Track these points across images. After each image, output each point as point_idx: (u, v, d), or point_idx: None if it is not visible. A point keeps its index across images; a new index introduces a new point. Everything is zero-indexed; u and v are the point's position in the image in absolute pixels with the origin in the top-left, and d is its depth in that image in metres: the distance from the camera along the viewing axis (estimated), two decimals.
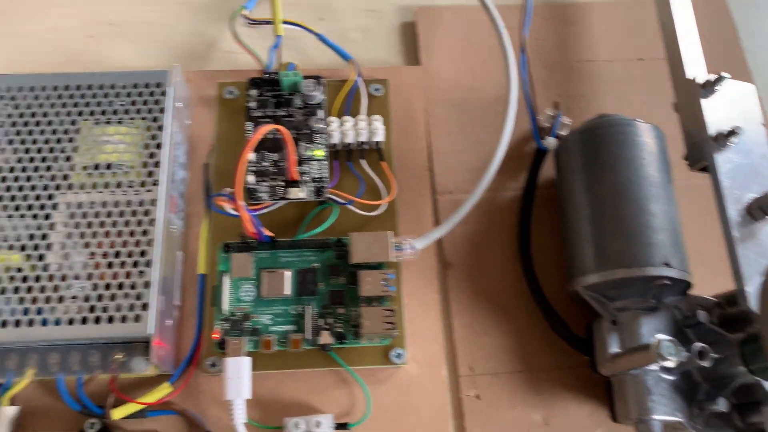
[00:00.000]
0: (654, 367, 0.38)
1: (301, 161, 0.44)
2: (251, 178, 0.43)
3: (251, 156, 0.44)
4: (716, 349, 0.36)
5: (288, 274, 0.41)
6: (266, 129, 0.36)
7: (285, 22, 0.48)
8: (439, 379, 0.42)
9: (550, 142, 0.46)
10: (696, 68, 0.44)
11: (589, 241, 0.40)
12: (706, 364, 0.35)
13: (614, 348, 0.39)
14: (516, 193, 0.47)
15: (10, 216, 0.40)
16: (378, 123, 0.45)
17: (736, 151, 0.41)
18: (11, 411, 0.39)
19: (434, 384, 0.42)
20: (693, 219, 0.45)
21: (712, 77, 0.42)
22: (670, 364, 0.34)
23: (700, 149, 0.41)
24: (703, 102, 0.42)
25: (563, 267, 0.44)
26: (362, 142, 0.45)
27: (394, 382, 0.41)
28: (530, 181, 0.46)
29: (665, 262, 0.38)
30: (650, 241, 0.38)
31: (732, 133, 0.40)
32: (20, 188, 0.40)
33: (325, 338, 0.40)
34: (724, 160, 0.40)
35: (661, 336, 0.35)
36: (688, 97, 0.43)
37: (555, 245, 0.46)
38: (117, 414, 0.38)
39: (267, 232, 0.41)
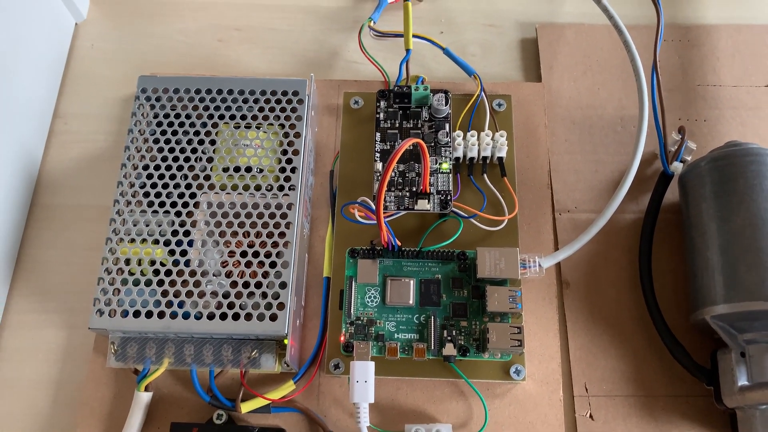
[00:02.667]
0: None
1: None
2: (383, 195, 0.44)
3: (379, 166, 0.45)
4: None
5: (412, 283, 0.42)
6: (409, 142, 0.37)
7: (414, 36, 0.49)
8: (556, 398, 0.42)
9: (677, 167, 0.45)
10: None
11: (721, 272, 0.40)
12: None
13: (743, 381, 0.39)
14: (635, 216, 0.47)
15: (155, 212, 0.42)
16: (502, 139, 0.45)
17: None
18: (146, 397, 0.41)
19: (551, 402, 0.42)
20: None
21: None
22: None
23: None
24: None
25: (684, 293, 0.44)
26: (485, 157, 0.46)
27: (512, 398, 0.42)
28: (654, 204, 0.46)
29: None
30: None
31: None
32: (164, 186, 0.42)
33: (449, 350, 0.40)
34: None
35: None
36: None
37: (676, 271, 0.45)
38: (245, 408, 0.40)
39: (397, 242, 0.41)
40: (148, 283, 0.40)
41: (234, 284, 0.40)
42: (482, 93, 0.48)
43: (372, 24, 0.51)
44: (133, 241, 0.41)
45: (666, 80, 0.52)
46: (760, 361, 0.38)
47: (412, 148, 0.44)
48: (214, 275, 0.40)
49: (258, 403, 0.40)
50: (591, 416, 0.42)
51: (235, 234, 0.41)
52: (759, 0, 0.55)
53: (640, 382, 0.43)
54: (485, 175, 0.46)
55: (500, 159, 0.46)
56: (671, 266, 0.45)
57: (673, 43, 0.53)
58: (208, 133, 0.44)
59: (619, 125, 0.50)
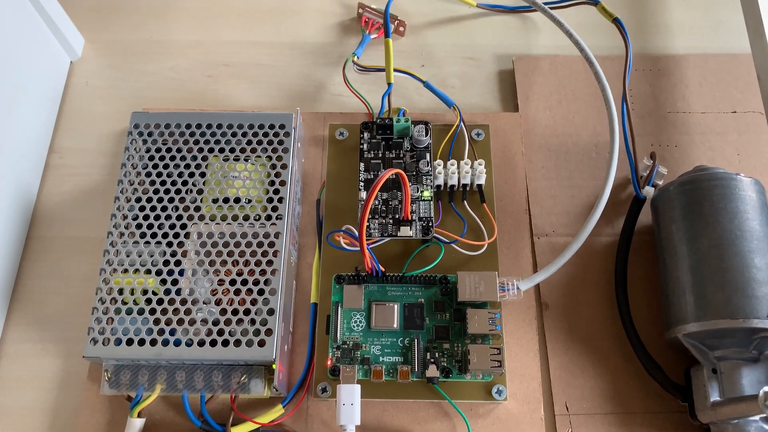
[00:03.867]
0: (756, 417, 0.38)
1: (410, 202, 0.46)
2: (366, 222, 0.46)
3: (363, 195, 0.47)
4: None
5: (396, 307, 0.44)
6: (390, 173, 0.39)
7: (395, 70, 0.51)
8: (537, 416, 0.43)
9: (648, 191, 0.47)
10: None
11: (691, 291, 0.41)
12: None
13: (715, 396, 0.40)
14: (610, 239, 0.49)
15: (147, 242, 0.43)
16: (481, 167, 0.47)
17: None
18: (139, 423, 0.42)
19: (532, 420, 0.43)
20: None
21: None
22: None
23: None
24: None
25: (659, 313, 0.46)
26: (465, 185, 0.48)
27: (494, 417, 0.43)
28: (628, 227, 0.47)
29: None
30: (755, 293, 0.40)
31: None
32: (156, 217, 0.44)
33: (432, 372, 0.42)
34: None
35: None
36: None
37: (650, 291, 0.47)
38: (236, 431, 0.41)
39: (381, 268, 0.43)
40: (141, 311, 0.41)
41: (223, 311, 0.41)
42: (461, 123, 0.50)
43: (356, 59, 0.54)
44: (126, 271, 0.43)
45: (638, 107, 0.54)
46: (730, 377, 0.40)
47: (394, 177, 0.46)
48: (204, 303, 0.42)
49: (248, 427, 0.42)
50: None
51: (224, 263, 0.43)
52: (724, 31, 0.58)
53: (618, 400, 0.44)
54: (465, 202, 0.48)
55: (479, 186, 0.48)
56: (646, 286, 0.47)
57: (644, 72, 0.55)
58: (198, 166, 0.46)
59: (593, 151, 0.52)
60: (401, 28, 0.57)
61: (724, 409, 0.39)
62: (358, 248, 0.42)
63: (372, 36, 0.56)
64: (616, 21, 0.51)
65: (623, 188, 0.51)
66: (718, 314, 0.40)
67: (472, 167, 0.47)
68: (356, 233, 0.41)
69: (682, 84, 0.55)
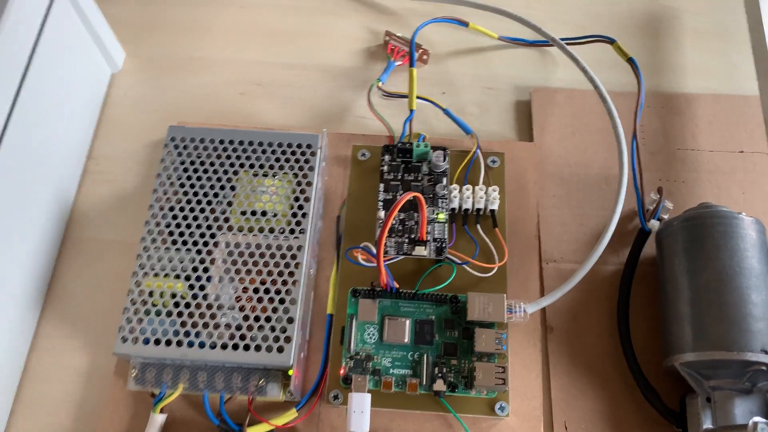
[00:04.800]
0: None
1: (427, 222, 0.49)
2: (384, 241, 0.48)
3: (381, 214, 0.49)
4: None
5: (408, 323, 0.46)
6: (408, 196, 0.41)
7: (418, 97, 0.54)
8: None
9: (654, 224, 0.50)
10: None
11: (690, 322, 0.43)
12: None
13: (707, 424, 0.42)
14: (616, 267, 0.51)
15: (177, 249, 0.46)
16: (495, 193, 0.50)
17: None
18: (160, 418, 0.45)
19: None
20: None
21: None
22: None
23: None
24: None
25: (659, 341, 0.48)
26: (478, 209, 0.50)
27: None
28: (632, 258, 0.50)
29: (764, 349, 0.41)
30: (750, 328, 0.42)
31: None
32: (188, 226, 0.47)
33: (439, 386, 0.44)
34: None
35: (759, 419, 0.38)
36: None
37: (651, 320, 0.49)
38: None
39: (395, 284, 0.46)
40: (169, 314, 0.44)
41: (246, 318, 0.44)
42: (478, 150, 0.52)
43: (380, 84, 0.57)
44: (157, 275, 0.46)
45: (648, 143, 0.56)
46: (723, 407, 0.42)
47: (412, 199, 0.49)
48: (228, 309, 0.44)
49: (263, 428, 0.44)
50: None
51: (248, 272, 0.45)
52: (736, 73, 0.60)
53: (615, 423, 0.46)
54: (478, 226, 0.50)
55: (492, 211, 0.50)
56: (648, 315, 0.49)
57: (656, 109, 0.58)
58: (228, 180, 0.49)
59: (603, 183, 0.54)
60: (425, 57, 0.60)
61: None
62: (375, 264, 0.44)
63: (397, 63, 0.59)
64: (630, 61, 0.54)
65: (630, 220, 0.53)
66: (714, 346, 0.42)
67: (486, 193, 0.50)
68: (374, 251, 0.44)
69: (693, 122, 0.57)
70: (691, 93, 0.59)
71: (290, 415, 0.45)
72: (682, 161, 0.55)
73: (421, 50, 0.60)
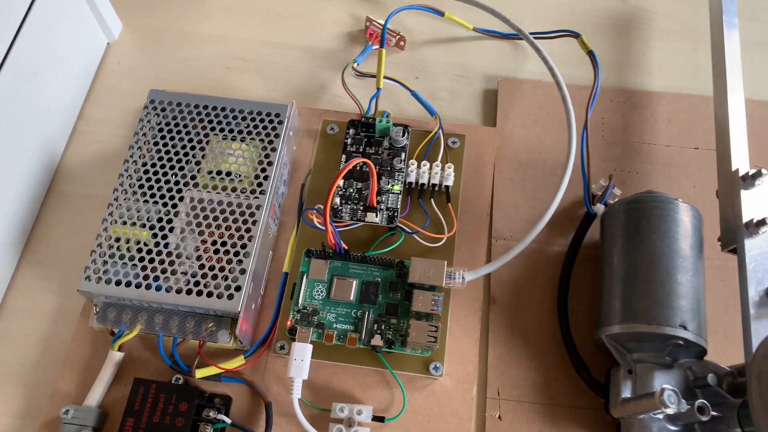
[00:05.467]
0: (659, 415, 0.42)
1: (380, 192, 0.52)
2: (337, 200, 0.51)
3: (340, 182, 0.52)
4: (718, 409, 0.41)
5: (354, 283, 0.49)
6: (356, 161, 0.44)
7: (386, 77, 0.57)
8: (469, 396, 0.48)
9: (599, 208, 0.52)
10: (740, 161, 0.49)
11: (618, 298, 0.46)
12: (704, 418, 0.40)
13: (627, 394, 0.44)
14: (562, 248, 0.53)
15: (146, 201, 0.50)
16: (450, 170, 0.53)
17: (764, 239, 0.45)
18: (118, 356, 0.48)
19: (463, 399, 0.48)
20: (723, 295, 0.50)
21: (753, 171, 0.47)
22: (670, 411, 0.39)
23: (733, 233, 0.46)
24: (743, 192, 0.47)
25: (593, 318, 0.50)
26: (434, 184, 0.53)
27: (429, 391, 0.48)
28: (577, 238, 0.52)
29: (682, 325, 0.43)
30: (672, 304, 0.44)
31: (762, 222, 0.45)
32: (157, 180, 0.50)
33: (377, 341, 0.47)
34: (751, 246, 0.45)
35: (667, 386, 0.40)
36: (729, 186, 0.48)
37: (588, 299, 0.51)
38: (199, 374, 0.47)
39: (344, 245, 0.49)
40: (131, 258, 0.48)
41: (202, 266, 0.47)
42: (440, 130, 0.55)
43: (355, 65, 0.60)
44: (125, 223, 0.49)
45: (608, 135, 0.59)
46: (643, 379, 0.44)
47: (366, 169, 0.52)
48: (186, 258, 0.48)
49: (211, 371, 0.47)
50: (500, 417, 0.48)
51: (209, 225, 0.49)
52: (700, 73, 0.62)
53: (547, 392, 0.48)
54: (432, 200, 0.53)
55: (447, 187, 0.53)
56: (587, 294, 0.51)
57: (618, 104, 0.60)
58: (200, 141, 0.52)
59: (559, 170, 0.57)
60: (402, 43, 0.63)
61: (631, 404, 0.43)
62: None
63: (374, 47, 0.62)
64: (590, 53, 0.57)
65: (580, 205, 0.55)
66: (638, 319, 0.44)
67: (442, 169, 0.53)
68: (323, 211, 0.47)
69: (653, 118, 0.59)
70: (654, 91, 0.61)
71: (238, 361, 0.48)
72: (638, 153, 0.58)
73: (398, 36, 0.63)
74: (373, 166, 0.46)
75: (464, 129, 0.58)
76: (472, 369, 0.49)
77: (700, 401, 0.40)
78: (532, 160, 0.57)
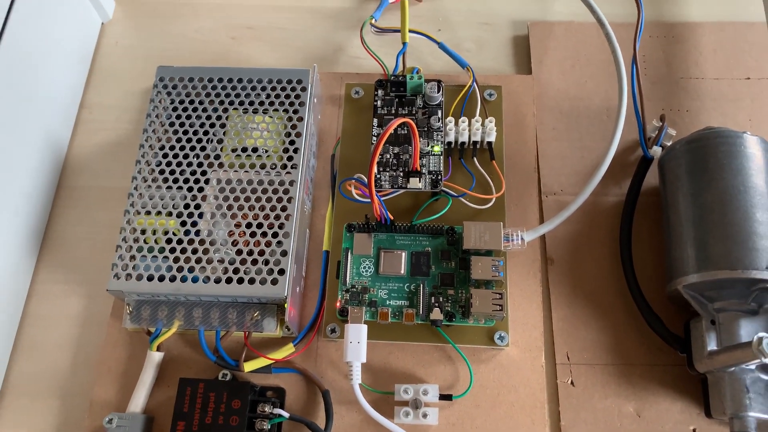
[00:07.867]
0: (752, 366, 0.39)
1: (420, 156, 0.48)
2: (374, 168, 0.47)
3: None
4: None
5: (404, 255, 0.45)
6: (398, 122, 0.40)
7: (410, 31, 0.52)
8: (538, 364, 0.45)
9: (656, 151, 0.48)
10: None
11: (693, 244, 0.42)
12: None
13: (712, 346, 0.41)
14: (618, 198, 0.50)
15: (168, 187, 0.46)
16: (491, 124, 0.49)
17: None
18: (157, 356, 0.45)
19: (533, 368, 0.45)
20: None
21: None
22: None
23: None
24: None
25: (662, 269, 0.47)
26: (475, 142, 0.49)
27: (496, 363, 0.45)
28: (635, 185, 0.48)
29: None
30: (755, 246, 0.40)
31: None
32: (178, 164, 0.46)
33: (436, 315, 0.43)
34: None
35: (764, 334, 0.36)
36: None
37: (653, 249, 0.48)
38: (248, 367, 0.43)
39: (390, 216, 0.45)
40: (161, 250, 0.44)
41: (239, 252, 0.43)
42: (474, 83, 0.51)
43: (373, 21, 0.55)
44: (148, 213, 0.45)
45: (651, 73, 0.55)
46: (728, 328, 0.41)
47: (405, 132, 0.48)
48: (221, 244, 0.44)
49: (260, 363, 0.44)
50: (572, 383, 0.45)
51: (241, 207, 0.45)
52: (741, 0, 0.58)
53: (618, 352, 0.45)
54: (475, 159, 0.49)
55: (489, 144, 0.49)
56: (651, 245, 0.48)
57: (659, 39, 0.56)
58: (219, 118, 0.48)
59: (604, 114, 0.53)
60: None
61: (720, 356, 0.40)
62: (369, 198, 0.43)
63: (390, 0, 0.57)
64: None
65: (632, 151, 0.51)
66: (717, 265, 0.41)
67: (482, 125, 0.49)
68: (366, 180, 0.43)
69: (696, 51, 0.55)
70: (695, 21, 0.57)
71: (287, 350, 0.44)
72: (686, 90, 0.54)
73: None
74: (414, 126, 0.42)
75: (499, 80, 0.54)
76: (538, 335, 0.45)
77: None
78: (575, 107, 0.53)
